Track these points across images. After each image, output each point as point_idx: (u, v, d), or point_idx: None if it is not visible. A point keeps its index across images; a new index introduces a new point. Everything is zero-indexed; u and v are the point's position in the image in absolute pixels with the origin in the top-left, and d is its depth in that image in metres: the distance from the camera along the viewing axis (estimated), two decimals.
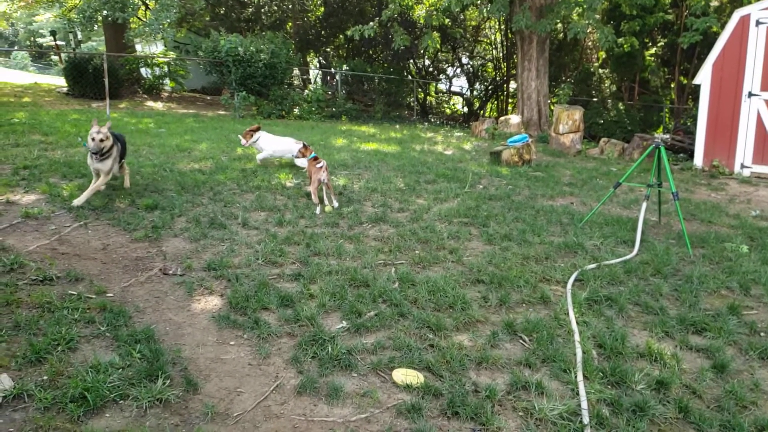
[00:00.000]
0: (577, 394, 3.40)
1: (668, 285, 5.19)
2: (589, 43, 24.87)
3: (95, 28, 23.84)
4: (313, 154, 7.59)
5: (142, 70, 23.18)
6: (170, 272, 4.90)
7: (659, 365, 3.80)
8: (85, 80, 19.30)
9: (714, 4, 17.39)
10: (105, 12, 19.29)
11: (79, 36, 41.62)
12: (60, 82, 24.38)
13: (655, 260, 5.73)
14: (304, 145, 7.82)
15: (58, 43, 40.97)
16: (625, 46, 18.51)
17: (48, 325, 3.74)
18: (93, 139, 6.36)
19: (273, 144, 9.15)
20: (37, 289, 4.31)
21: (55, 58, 45.37)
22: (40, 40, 58.39)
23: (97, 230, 5.81)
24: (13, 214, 5.95)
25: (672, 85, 21.62)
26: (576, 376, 3.56)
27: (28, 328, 3.69)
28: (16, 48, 61.93)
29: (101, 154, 6.45)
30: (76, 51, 32.04)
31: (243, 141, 9.13)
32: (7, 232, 5.46)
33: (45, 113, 13.77)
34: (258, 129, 9.12)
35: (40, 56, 56.47)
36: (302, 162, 8.46)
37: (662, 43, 21.67)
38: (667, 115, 21.03)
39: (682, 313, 4.54)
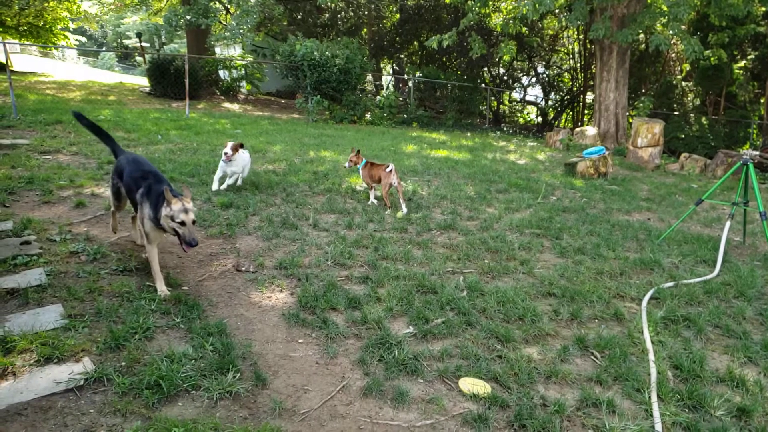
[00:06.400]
0: (651, 415, 3.26)
1: (752, 308, 4.91)
2: (673, 55, 23.96)
3: (178, 32, 24.90)
4: (364, 161, 7.57)
5: (221, 72, 23.98)
6: (243, 269, 5.03)
7: (741, 391, 3.59)
8: (167, 80, 20.14)
9: None
10: (189, 17, 20.15)
11: (163, 38, 43.65)
12: (143, 81, 25.57)
13: (739, 282, 5.42)
14: (353, 151, 7.77)
15: (143, 44, 42.97)
16: (712, 58, 17.74)
17: (127, 314, 3.90)
18: (184, 223, 4.12)
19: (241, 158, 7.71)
20: (118, 279, 4.50)
21: (139, 58, 47.76)
22: (126, 41, 61.69)
23: None
24: (97, 206, 6.26)
25: (762, 100, 20.53)
26: (650, 397, 3.41)
27: (109, 316, 3.87)
28: (104, 49, 65.69)
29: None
30: (159, 52, 33.55)
31: (228, 152, 7.45)
32: (91, 223, 5.75)
33: (128, 111, 14.45)
34: (242, 146, 7.64)
35: (125, 57, 59.63)
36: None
37: (753, 56, 20.64)
38: (755, 131, 19.96)
39: None
